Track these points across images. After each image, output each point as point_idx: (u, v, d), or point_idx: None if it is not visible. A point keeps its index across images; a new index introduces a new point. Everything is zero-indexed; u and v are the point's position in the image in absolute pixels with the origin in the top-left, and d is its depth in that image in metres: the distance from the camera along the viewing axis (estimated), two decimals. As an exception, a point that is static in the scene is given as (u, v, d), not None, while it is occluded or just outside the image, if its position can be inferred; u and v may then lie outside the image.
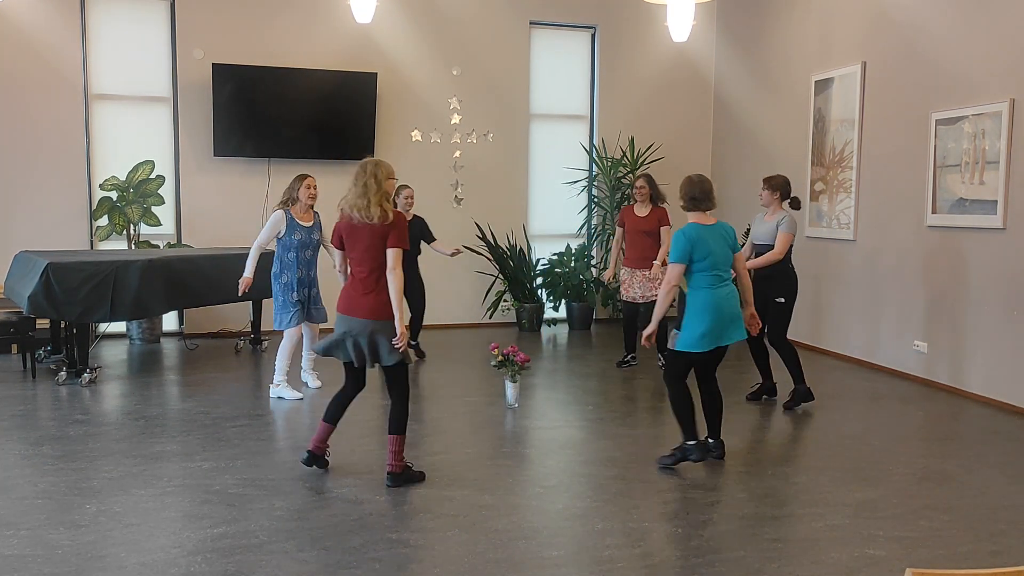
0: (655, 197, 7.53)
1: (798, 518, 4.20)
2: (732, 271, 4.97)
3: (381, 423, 5.78)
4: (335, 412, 4.70)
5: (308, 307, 6.40)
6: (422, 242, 7.79)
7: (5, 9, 8.33)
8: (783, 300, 6.20)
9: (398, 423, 4.54)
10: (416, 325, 7.76)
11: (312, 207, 6.41)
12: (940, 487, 4.67)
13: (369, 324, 4.38)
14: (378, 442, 5.31)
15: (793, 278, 6.23)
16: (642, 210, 7.55)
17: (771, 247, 6.16)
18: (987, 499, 4.49)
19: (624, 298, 7.66)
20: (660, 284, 6.85)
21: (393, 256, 4.36)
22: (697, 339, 4.76)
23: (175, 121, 9.00)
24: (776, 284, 6.17)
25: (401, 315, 4.38)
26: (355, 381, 4.69)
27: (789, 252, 6.16)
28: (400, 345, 4.37)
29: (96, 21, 8.75)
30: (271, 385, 6.44)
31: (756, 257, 6.26)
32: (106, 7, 8.76)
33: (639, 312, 7.50)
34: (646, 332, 4.90)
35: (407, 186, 7.62)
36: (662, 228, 7.47)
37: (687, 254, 4.76)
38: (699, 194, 4.88)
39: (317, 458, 4.74)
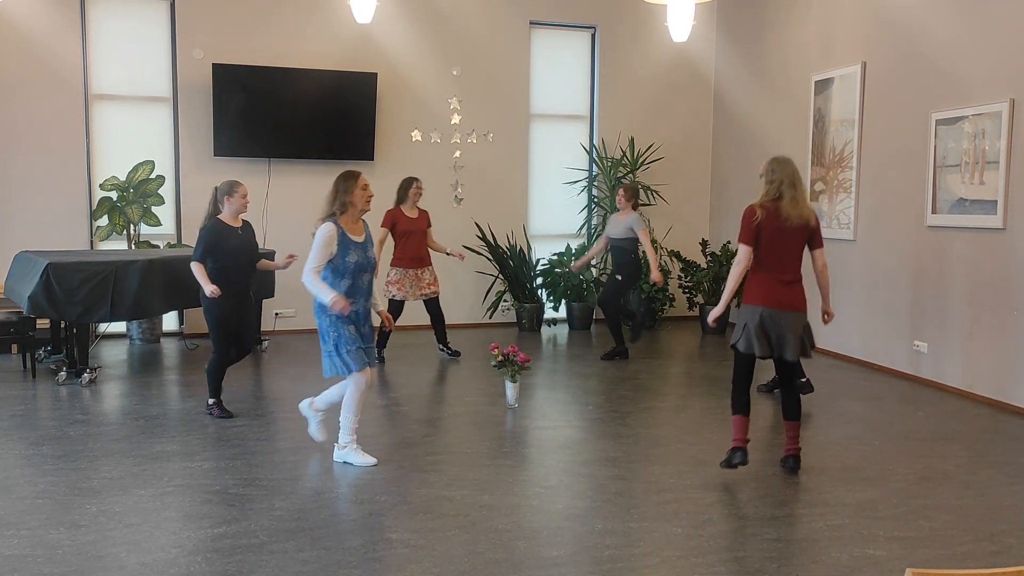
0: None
1: (798, 518, 4.20)
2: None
3: (381, 424, 5.78)
4: (746, 401, 4.81)
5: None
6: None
7: (5, 9, 8.33)
8: (620, 278, 7.84)
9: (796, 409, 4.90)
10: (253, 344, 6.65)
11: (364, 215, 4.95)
12: (940, 487, 4.67)
13: (802, 316, 4.73)
14: (378, 442, 5.31)
15: (638, 266, 7.88)
16: (413, 211, 7.71)
17: (627, 240, 7.75)
18: (987, 499, 4.49)
19: (397, 297, 7.63)
20: (429, 284, 7.68)
21: (822, 255, 4.81)
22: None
23: (175, 121, 9.00)
24: (625, 266, 7.83)
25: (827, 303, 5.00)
26: (751, 369, 4.82)
27: (638, 244, 7.76)
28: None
29: (96, 21, 8.75)
30: (336, 447, 4.97)
31: (611, 249, 8.06)
32: (106, 7, 8.76)
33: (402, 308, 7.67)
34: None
35: (238, 183, 5.88)
36: (429, 229, 7.78)
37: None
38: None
39: (743, 452, 4.77)
